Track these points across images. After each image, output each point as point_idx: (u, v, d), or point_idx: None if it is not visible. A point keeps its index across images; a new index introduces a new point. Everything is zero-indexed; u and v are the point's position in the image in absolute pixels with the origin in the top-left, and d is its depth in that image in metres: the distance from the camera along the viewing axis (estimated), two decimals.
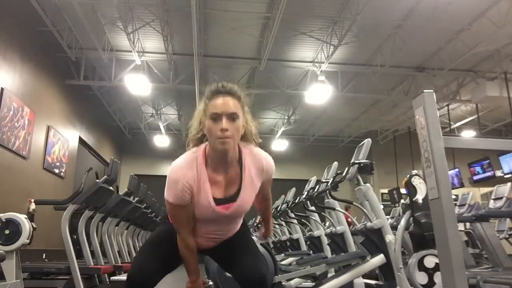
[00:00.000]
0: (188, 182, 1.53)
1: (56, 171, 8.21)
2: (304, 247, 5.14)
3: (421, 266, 2.73)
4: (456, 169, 10.77)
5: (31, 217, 6.04)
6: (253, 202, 1.72)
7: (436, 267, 2.70)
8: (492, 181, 9.47)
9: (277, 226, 6.69)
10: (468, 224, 5.72)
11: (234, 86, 1.57)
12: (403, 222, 2.93)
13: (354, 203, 3.20)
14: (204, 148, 1.59)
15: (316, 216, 4.56)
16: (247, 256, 1.73)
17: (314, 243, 4.65)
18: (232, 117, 1.50)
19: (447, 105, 10.91)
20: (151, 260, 1.65)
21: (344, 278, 2.78)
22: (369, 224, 2.89)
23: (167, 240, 1.72)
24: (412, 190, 2.90)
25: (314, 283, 3.17)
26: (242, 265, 1.70)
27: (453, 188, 9.97)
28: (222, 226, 1.72)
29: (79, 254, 4.07)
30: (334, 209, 3.79)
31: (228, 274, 2.30)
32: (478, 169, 10.49)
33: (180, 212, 1.59)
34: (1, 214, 2.83)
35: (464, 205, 5.75)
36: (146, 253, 1.71)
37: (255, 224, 8.22)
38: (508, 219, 6.02)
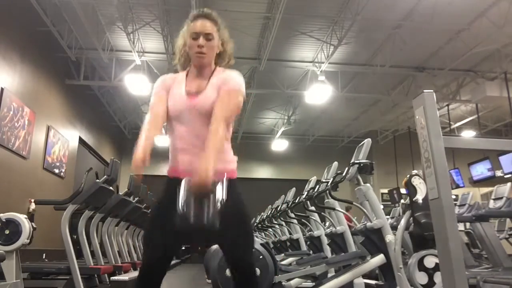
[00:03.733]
0: (167, 81, 1.87)
1: (56, 171, 8.21)
2: (304, 247, 5.14)
3: (421, 266, 2.73)
4: (456, 169, 10.77)
5: (31, 217, 6.06)
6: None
7: (436, 267, 2.70)
8: (492, 181, 9.46)
9: (277, 226, 6.70)
10: (468, 224, 5.72)
11: (212, 12, 1.88)
12: (403, 222, 2.93)
13: (354, 203, 3.20)
14: (187, 70, 1.89)
15: (316, 216, 4.56)
16: (239, 236, 1.74)
17: (314, 243, 4.64)
18: (208, 37, 1.79)
19: (447, 105, 10.91)
20: (157, 248, 1.72)
21: (344, 278, 2.78)
22: (369, 224, 2.89)
23: (161, 220, 1.75)
24: (412, 190, 2.91)
25: (314, 283, 3.17)
26: (233, 247, 1.74)
27: (453, 188, 9.98)
28: (193, 126, 1.77)
29: (79, 254, 4.07)
30: (334, 209, 3.79)
31: (228, 274, 2.29)
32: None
33: (156, 100, 1.82)
34: (1, 214, 2.83)
35: (464, 205, 5.75)
36: (150, 242, 1.76)
37: (255, 224, 8.23)
38: (508, 219, 6.02)
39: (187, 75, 1.86)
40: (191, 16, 1.86)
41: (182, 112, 1.77)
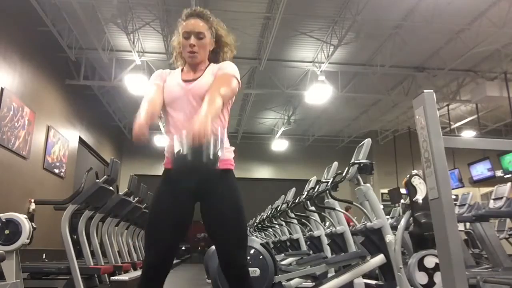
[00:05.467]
0: (163, 73, 1.92)
1: (56, 171, 8.21)
2: (304, 247, 5.14)
3: (421, 266, 2.73)
4: (456, 169, 10.78)
5: (31, 217, 6.06)
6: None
7: (436, 267, 2.70)
8: (492, 181, 9.46)
9: (277, 226, 6.70)
10: (468, 224, 5.72)
11: (204, 10, 1.89)
12: (403, 222, 2.93)
13: (354, 203, 3.20)
14: (183, 66, 1.94)
15: (316, 216, 4.56)
16: (231, 236, 1.70)
17: (314, 243, 4.64)
18: (199, 36, 1.80)
19: (447, 105, 10.92)
20: (159, 248, 1.69)
21: (344, 278, 2.78)
22: (369, 224, 2.89)
23: (161, 216, 1.73)
24: (412, 190, 2.91)
25: (314, 283, 3.17)
26: (225, 249, 1.71)
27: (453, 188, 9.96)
28: (189, 111, 1.76)
29: (79, 254, 4.07)
30: (334, 209, 3.79)
31: None
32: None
33: (152, 89, 1.83)
34: (1, 214, 2.82)
35: (464, 205, 5.74)
36: (152, 242, 1.72)
37: (255, 224, 8.23)
38: (508, 219, 6.01)
39: (182, 70, 1.91)
40: (183, 15, 1.87)
41: (178, 98, 1.79)
